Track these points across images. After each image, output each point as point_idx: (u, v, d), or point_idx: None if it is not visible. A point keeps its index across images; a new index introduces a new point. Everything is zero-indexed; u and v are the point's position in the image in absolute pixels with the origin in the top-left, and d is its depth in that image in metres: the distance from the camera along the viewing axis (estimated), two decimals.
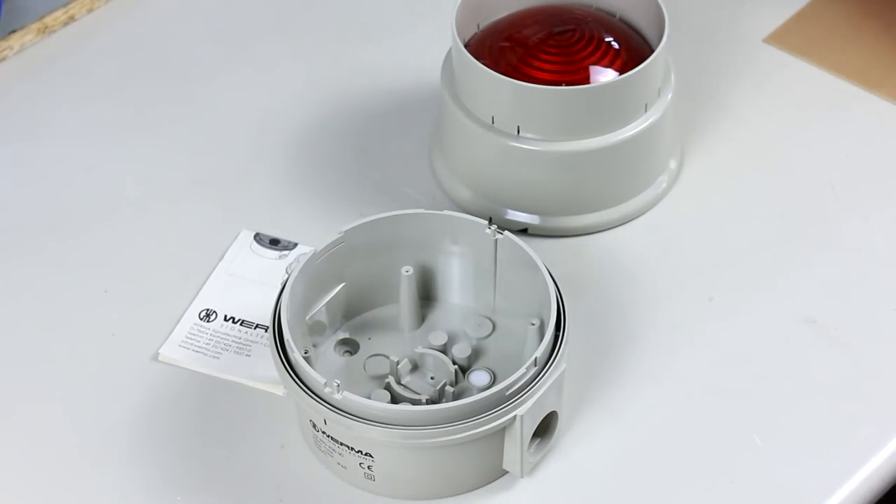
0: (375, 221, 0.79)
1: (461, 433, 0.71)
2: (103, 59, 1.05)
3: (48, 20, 1.06)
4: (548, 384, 0.73)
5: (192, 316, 0.86)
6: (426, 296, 0.83)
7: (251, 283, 0.87)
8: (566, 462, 0.77)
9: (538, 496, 0.76)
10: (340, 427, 0.72)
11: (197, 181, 0.95)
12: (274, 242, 0.90)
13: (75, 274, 0.89)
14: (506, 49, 0.88)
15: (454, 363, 0.78)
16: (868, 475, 0.77)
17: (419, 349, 0.79)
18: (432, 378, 0.78)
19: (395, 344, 0.80)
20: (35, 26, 1.05)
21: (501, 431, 0.73)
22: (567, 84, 0.86)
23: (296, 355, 0.73)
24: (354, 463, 0.74)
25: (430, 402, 0.76)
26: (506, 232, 0.79)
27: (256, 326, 0.85)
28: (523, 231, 0.89)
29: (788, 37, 1.02)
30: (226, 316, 0.86)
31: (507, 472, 0.76)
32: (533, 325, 0.77)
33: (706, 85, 0.99)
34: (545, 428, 0.76)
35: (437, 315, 0.83)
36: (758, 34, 1.03)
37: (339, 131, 0.98)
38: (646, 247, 0.89)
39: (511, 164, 0.87)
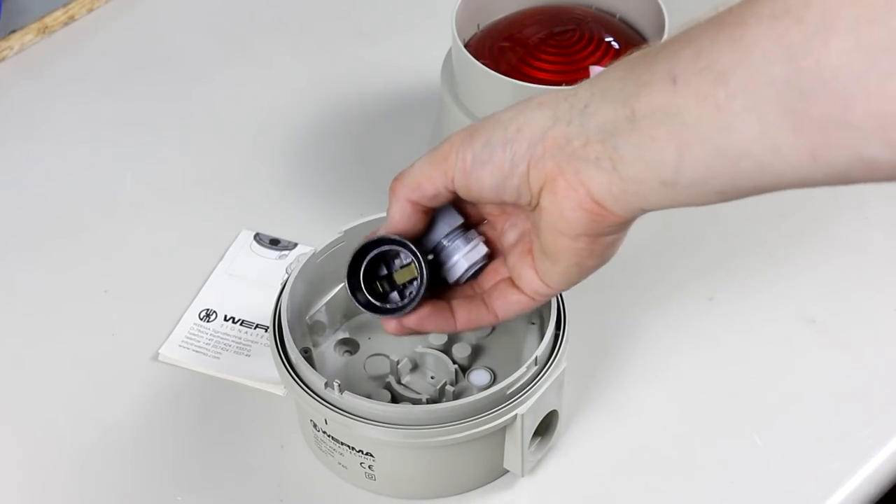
0: (375, 221, 0.79)
1: (462, 432, 0.71)
2: (103, 59, 1.05)
3: (48, 20, 1.06)
4: (548, 383, 0.73)
5: (192, 316, 0.86)
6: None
7: (251, 283, 0.87)
8: (566, 461, 0.77)
9: (539, 495, 0.76)
10: (341, 427, 0.72)
11: (197, 181, 0.95)
12: (274, 242, 0.90)
13: (75, 274, 0.89)
14: (506, 49, 0.88)
15: (454, 362, 0.78)
16: (868, 475, 0.77)
17: (419, 349, 0.79)
18: (432, 377, 0.78)
19: (395, 343, 0.80)
20: (35, 26, 1.05)
21: (502, 430, 0.73)
22: (567, 84, 0.85)
23: (296, 355, 0.73)
24: (355, 463, 0.74)
25: (431, 401, 0.76)
26: None
27: (256, 326, 0.85)
28: None
29: None
30: (226, 316, 0.86)
31: (508, 471, 0.76)
32: (533, 324, 0.77)
33: None
34: (545, 427, 0.76)
35: None
36: None
37: (340, 131, 0.99)
38: (646, 247, 0.89)
39: None
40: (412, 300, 0.67)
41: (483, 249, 0.67)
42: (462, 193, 0.64)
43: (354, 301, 0.68)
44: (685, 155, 0.54)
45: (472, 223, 0.68)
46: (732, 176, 0.54)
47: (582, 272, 0.63)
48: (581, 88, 0.59)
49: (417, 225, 0.66)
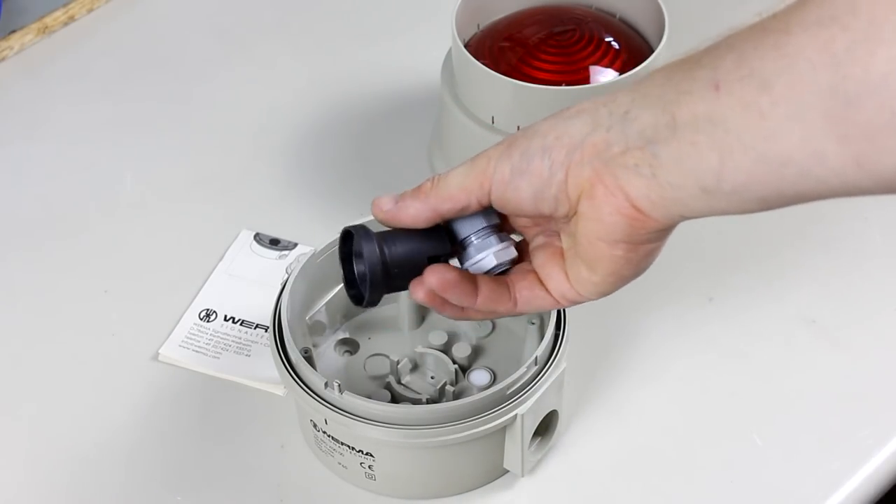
0: (375, 221, 0.79)
1: (462, 432, 0.71)
2: (103, 59, 1.05)
3: (48, 20, 1.06)
4: (548, 383, 0.73)
5: (192, 316, 0.86)
6: None
7: (251, 283, 0.87)
8: (566, 461, 0.77)
9: (539, 495, 0.76)
10: (341, 427, 0.72)
11: (197, 181, 0.95)
12: (274, 242, 0.90)
13: (75, 274, 0.89)
14: (506, 49, 0.88)
15: (454, 362, 0.78)
16: (868, 475, 0.77)
17: (419, 349, 0.79)
18: (432, 378, 0.78)
19: (395, 343, 0.80)
20: (35, 26, 1.05)
21: (502, 430, 0.73)
22: (567, 84, 0.86)
23: (296, 355, 0.73)
24: (355, 463, 0.74)
25: (431, 401, 0.76)
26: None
27: (256, 326, 0.85)
28: None
29: None
30: (226, 316, 0.86)
31: (508, 471, 0.76)
32: (533, 324, 0.77)
33: None
34: (545, 427, 0.76)
35: (437, 314, 0.82)
36: None
37: (340, 131, 0.99)
38: None
39: None
40: (365, 290, 0.66)
41: (513, 252, 0.66)
42: (499, 205, 0.63)
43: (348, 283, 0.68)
44: (727, 162, 0.54)
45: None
46: (776, 183, 0.54)
47: (618, 282, 0.63)
48: (620, 94, 0.59)
49: (423, 227, 0.65)
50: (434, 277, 0.65)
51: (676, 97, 0.55)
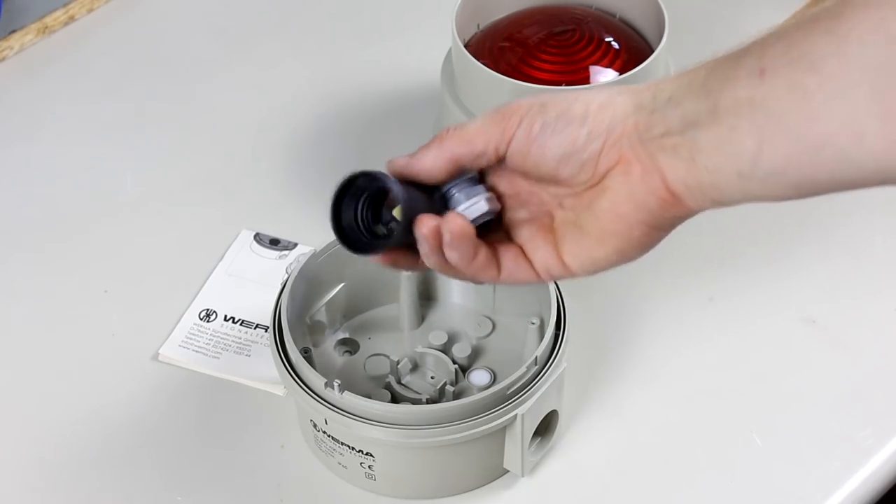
0: None
1: (462, 432, 0.71)
2: (103, 59, 1.05)
3: (48, 20, 1.06)
4: (548, 383, 0.73)
5: (192, 316, 0.86)
6: (426, 295, 0.83)
7: (251, 283, 0.87)
8: (566, 461, 0.77)
9: (539, 495, 0.76)
10: (341, 427, 0.72)
11: (197, 181, 0.95)
12: (274, 242, 0.90)
13: (75, 274, 0.89)
14: (506, 49, 0.88)
15: (454, 363, 0.78)
16: (868, 475, 0.77)
17: (419, 349, 0.79)
18: (432, 377, 0.78)
19: (395, 344, 0.80)
20: (35, 26, 1.05)
21: (502, 430, 0.73)
22: (567, 84, 0.86)
23: (296, 355, 0.73)
24: (355, 463, 0.74)
25: (431, 401, 0.76)
26: None
27: (256, 326, 0.85)
28: None
29: None
30: (226, 316, 0.86)
31: (508, 471, 0.76)
32: (533, 324, 0.77)
33: None
34: (546, 427, 0.76)
35: (437, 314, 0.83)
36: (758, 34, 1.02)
37: (340, 131, 0.99)
38: None
39: None
40: (388, 237, 0.63)
41: (498, 204, 0.65)
42: (515, 159, 0.62)
43: (336, 230, 0.64)
44: (764, 145, 0.54)
45: None
46: (812, 166, 0.54)
47: (618, 262, 0.63)
48: (664, 81, 0.59)
49: (439, 177, 0.64)
50: (455, 224, 0.62)
51: (720, 84, 0.56)
